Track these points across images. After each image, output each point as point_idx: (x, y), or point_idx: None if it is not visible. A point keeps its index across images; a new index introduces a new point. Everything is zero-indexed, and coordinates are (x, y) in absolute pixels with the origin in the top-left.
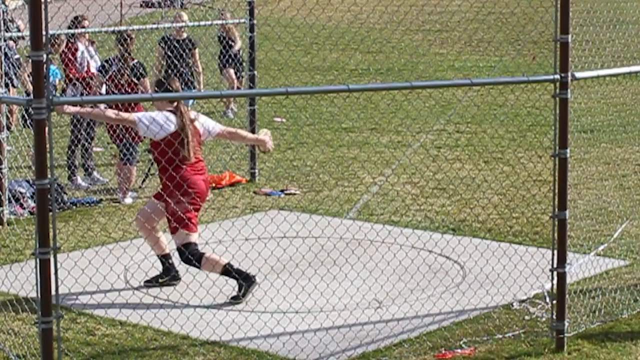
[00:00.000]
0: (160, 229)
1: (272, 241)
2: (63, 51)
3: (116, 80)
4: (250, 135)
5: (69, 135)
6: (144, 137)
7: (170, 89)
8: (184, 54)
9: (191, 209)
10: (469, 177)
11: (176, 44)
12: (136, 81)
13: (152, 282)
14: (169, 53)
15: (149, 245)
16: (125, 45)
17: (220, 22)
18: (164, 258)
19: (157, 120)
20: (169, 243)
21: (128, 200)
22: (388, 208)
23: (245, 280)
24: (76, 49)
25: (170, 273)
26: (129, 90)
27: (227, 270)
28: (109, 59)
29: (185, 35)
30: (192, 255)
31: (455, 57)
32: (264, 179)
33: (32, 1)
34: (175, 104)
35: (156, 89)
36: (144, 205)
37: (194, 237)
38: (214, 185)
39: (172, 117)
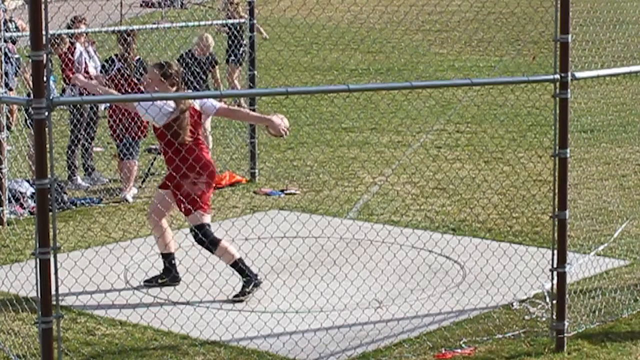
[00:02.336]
0: (169, 224)
1: (272, 241)
2: (63, 51)
3: (116, 80)
4: (255, 114)
5: (69, 135)
6: (146, 135)
7: (170, 72)
8: (205, 71)
9: (205, 190)
10: (469, 177)
11: (197, 61)
12: (139, 77)
13: (151, 282)
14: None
15: (154, 238)
16: (127, 43)
17: (220, 22)
18: (166, 257)
19: (156, 104)
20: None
21: (129, 197)
22: (388, 208)
23: (247, 282)
24: (74, 49)
25: (170, 274)
26: (132, 86)
27: (236, 265)
28: (111, 57)
29: (207, 53)
30: (205, 237)
31: (455, 57)
32: (264, 179)
33: (32, 1)
34: (175, 88)
35: (155, 71)
36: (143, 202)
37: (207, 218)
38: (214, 185)
39: (172, 102)
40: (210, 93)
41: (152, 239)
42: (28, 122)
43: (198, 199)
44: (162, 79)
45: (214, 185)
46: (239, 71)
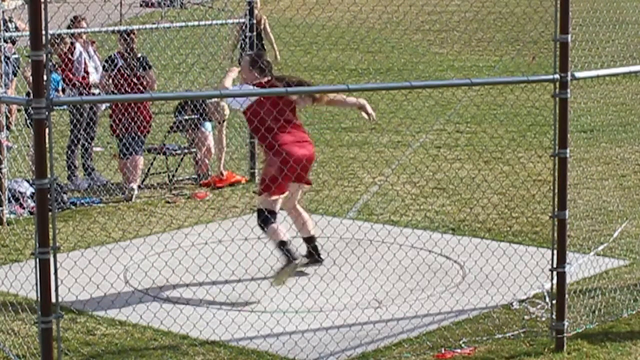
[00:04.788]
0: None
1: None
2: (63, 51)
3: (116, 80)
4: (351, 99)
5: (69, 135)
6: (148, 132)
7: (263, 65)
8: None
9: (276, 175)
10: (468, 177)
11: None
12: (143, 72)
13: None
14: None
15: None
16: (127, 42)
17: (219, 22)
18: (308, 242)
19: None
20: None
21: (135, 186)
22: (388, 208)
23: (287, 263)
24: (74, 49)
25: (312, 257)
26: (132, 86)
27: (280, 247)
28: (110, 56)
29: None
30: (263, 222)
31: (455, 57)
32: None
33: (32, 1)
34: (267, 79)
35: (250, 67)
36: (142, 202)
37: (270, 203)
38: (213, 184)
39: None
40: (211, 93)
41: (152, 239)
42: (28, 122)
43: (267, 181)
44: (250, 68)
45: (290, 173)
46: None
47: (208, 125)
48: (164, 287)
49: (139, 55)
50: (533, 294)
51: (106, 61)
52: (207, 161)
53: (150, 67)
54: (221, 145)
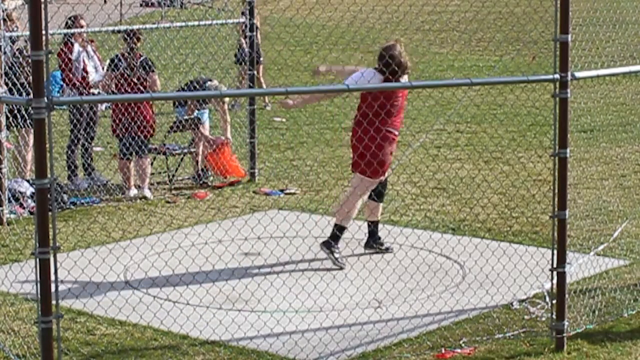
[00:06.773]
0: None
1: (272, 241)
2: (63, 51)
3: (116, 81)
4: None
5: (69, 135)
6: (152, 134)
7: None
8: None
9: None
10: (468, 176)
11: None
12: (144, 75)
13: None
14: None
15: (338, 210)
16: (127, 43)
17: (219, 22)
18: (339, 228)
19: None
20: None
21: (148, 194)
22: (388, 208)
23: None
24: (73, 49)
25: (336, 240)
26: (137, 83)
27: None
28: (112, 58)
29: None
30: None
31: (455, 56)
32: (263, 178)
33: (32, 1)
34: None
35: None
36: (142, 202)
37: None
38: (214, 183)
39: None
40: (211, 93)
41: (152, 239)
42: (21, 122)
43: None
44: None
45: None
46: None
47: (206, 124)
48: (164, 287)
49: (142, 57)
50: (533, 294)
51: (111, 60)
52: (207, 152)
53: (152, 69)
54: (225, 118)
